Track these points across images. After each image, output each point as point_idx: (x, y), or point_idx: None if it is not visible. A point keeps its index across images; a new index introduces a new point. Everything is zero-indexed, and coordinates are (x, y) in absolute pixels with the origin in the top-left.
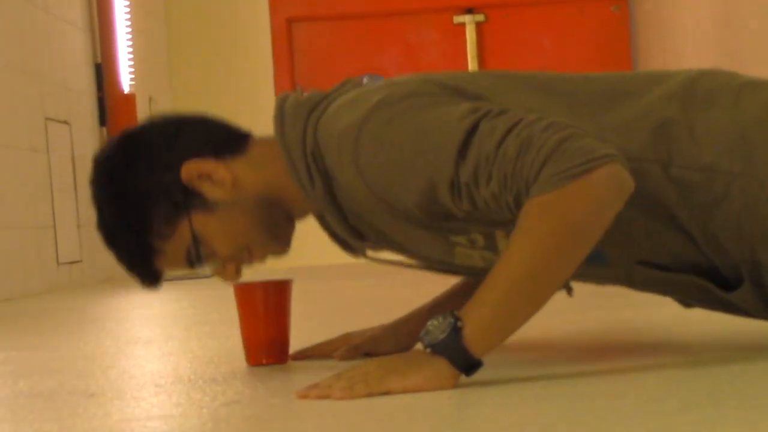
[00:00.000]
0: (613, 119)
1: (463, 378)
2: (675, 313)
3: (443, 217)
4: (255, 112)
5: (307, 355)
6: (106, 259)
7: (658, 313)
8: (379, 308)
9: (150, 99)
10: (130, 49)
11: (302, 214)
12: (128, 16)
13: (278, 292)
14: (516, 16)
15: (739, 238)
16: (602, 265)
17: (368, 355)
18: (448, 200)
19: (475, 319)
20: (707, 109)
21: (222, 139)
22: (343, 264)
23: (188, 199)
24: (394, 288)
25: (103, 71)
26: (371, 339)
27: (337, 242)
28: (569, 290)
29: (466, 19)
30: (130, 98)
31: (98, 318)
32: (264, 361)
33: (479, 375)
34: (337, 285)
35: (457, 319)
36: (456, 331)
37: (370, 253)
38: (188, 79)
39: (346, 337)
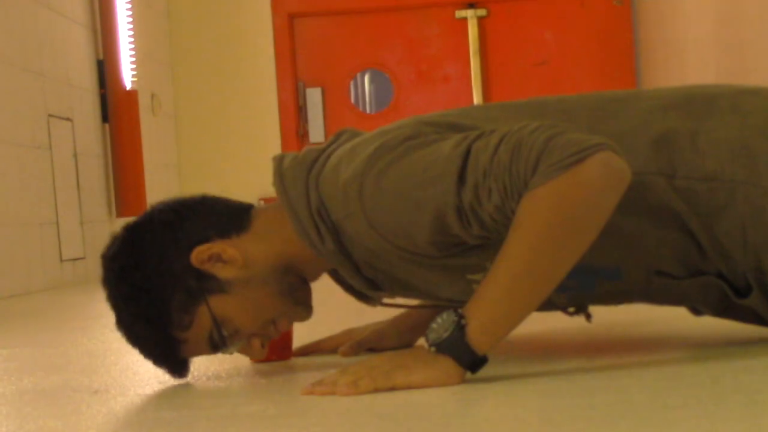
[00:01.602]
0: (610, 129)
1: (467, 374)
2: (677, 309)
3: (458, 250)
4: (257, 109)
5: (310, 351)
6: None
7: (660, 308)
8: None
9: (152, 96)
10: (132, 46)
11: (316, 275)
12: (130, 13)
13: None
14: (518, 10)
15: (744, 246)
16: (619, 281)
17: (371, 350)
18: (458, 228)
19: (478, 316)
20: (708, 118)
21: (225, 218)
22: None
23: (202, 284)
24: None
25: (106, 68)
26: (374, 335)
27: (352, 294)
28: (588, 316)
29: (468, 13)
30: (132, 95)
31: (102, 315)
32: (268, 358)
33: (483, 371)
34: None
35: (460, 316)
36: (460, 328)
37: (386, 299)
38: (190, 76)
39: (348, 333)
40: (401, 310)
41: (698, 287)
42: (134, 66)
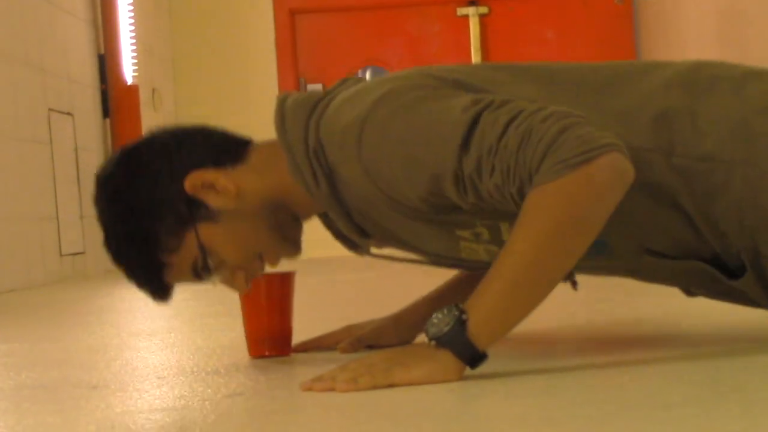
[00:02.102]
0: (615, 106)
1: (467, 370)
2: (677, 306)
3: (449, 210)
4: (258, 104)
5: (309, 347)
6: None
7: (660, 305)
8: (381, 300)
9: (153, 91)
10: (133, 41)
11: (307, 215)
12: (131, 8)
13: (281, 284)
14: (519, 8)
15: (741, 227)
16: (609, 256)
17: (371, 347)
18: (453, 193)
19: (479, 312)
20: (709, 98)
21: (222, 149)
22: (345, 256)
23: (193, 211)
24: (395, 280)
25: (107, 63)
26: (374, 331)
27: (340, 241)
28: (574, 284)
29: (470, 11)
30: (133, 90)
31: (101, 310)
32: (267, 353)
33: (482, 368)
34: (339, 277)
35: (461, 311)
36: (461, 323)
37: (374, 250)
38: (191, 71)
39: (348, 329)
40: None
41: (687, 269)
42: (135, 61)
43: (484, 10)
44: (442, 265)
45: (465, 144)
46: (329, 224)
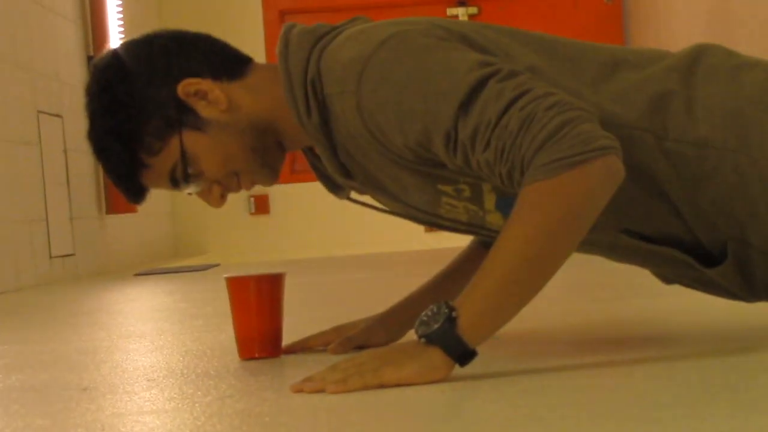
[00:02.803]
0: (612, 88)
1: (456, 371)
2: (667, 306)
3: (433, 164)
4: None
5: (299, 348)
6: (98, 252)
7: (649, 306)
8: (370, 300)
9: None
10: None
11: (293, 145)
12: (120, 9)
13: (271, 286)
14: (509, 8)
15: (729, 216)
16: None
17: (361, 347)
18: (441, 151)
19: (469, 309)
20: (706, 85)
21: (222, 61)
22: (334, 257)
23: (182, 116)
24: (385, 279)
25: None
26: (363, 331)
27: (323, 182)
28: None
29: (459, 11)
30: None
31: (91, 312)
32: (257, 355)
33: (472, 368)
34: (329, 278)
35: (451, 309)
36: (450, 320)
37: (354, 195)
38: None
39: (337, 330)
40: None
41: (663, 255)
42: None
43: (473, 10)
44: (418, 221)
45: (464, 106)
46: (314, 163)
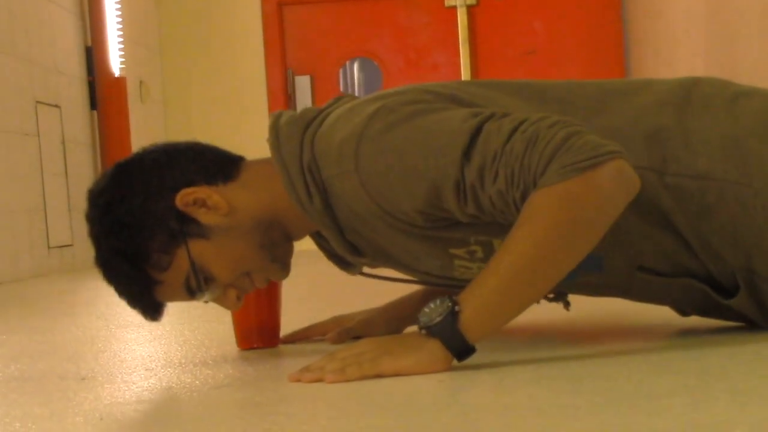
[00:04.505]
0: (605, 123)
1: (454, 362)
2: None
3: (444, 224)
4: (246, 97)
5: (298, 338)
6: None
7: None
8: (370, 292)
9: (140, 83)
10: (121, 33)
11: (300, 234)
12: (118, 0)
13: None
14: None
15: (735, 246)
16: (600, 272)
17: (359, 338)
18: (452, 203)
19: (472, 305)
20: (702, 117)
21: (214, 165)
22: None
23: (184, 227)
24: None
25: (94, 55)
26: (362, 322)
27: (333, 260)
28: (567, 305)
29: (458, 2)
30: (120, 82)
31: (89, 302)
32: (255, 345)
33: (471, 358)
34: (328, 268)
35: (455, 303)
36: (453, 314)
37: (366, 269)
38: (179, 63)
39: (337, 320)
40: (392, 299)
41: (681, 287)
42: (123, 53)
43: (472, 1)
44: (432, 284)
45: (467, 153)
46: (322, 245)
